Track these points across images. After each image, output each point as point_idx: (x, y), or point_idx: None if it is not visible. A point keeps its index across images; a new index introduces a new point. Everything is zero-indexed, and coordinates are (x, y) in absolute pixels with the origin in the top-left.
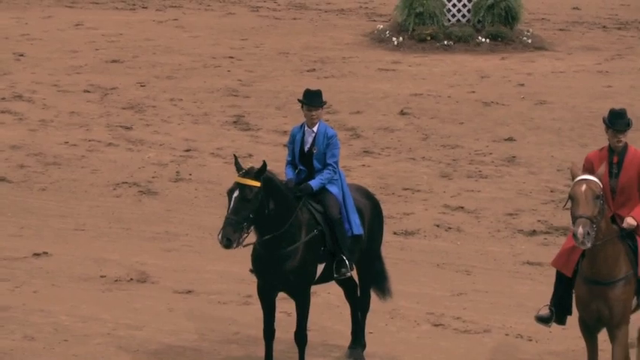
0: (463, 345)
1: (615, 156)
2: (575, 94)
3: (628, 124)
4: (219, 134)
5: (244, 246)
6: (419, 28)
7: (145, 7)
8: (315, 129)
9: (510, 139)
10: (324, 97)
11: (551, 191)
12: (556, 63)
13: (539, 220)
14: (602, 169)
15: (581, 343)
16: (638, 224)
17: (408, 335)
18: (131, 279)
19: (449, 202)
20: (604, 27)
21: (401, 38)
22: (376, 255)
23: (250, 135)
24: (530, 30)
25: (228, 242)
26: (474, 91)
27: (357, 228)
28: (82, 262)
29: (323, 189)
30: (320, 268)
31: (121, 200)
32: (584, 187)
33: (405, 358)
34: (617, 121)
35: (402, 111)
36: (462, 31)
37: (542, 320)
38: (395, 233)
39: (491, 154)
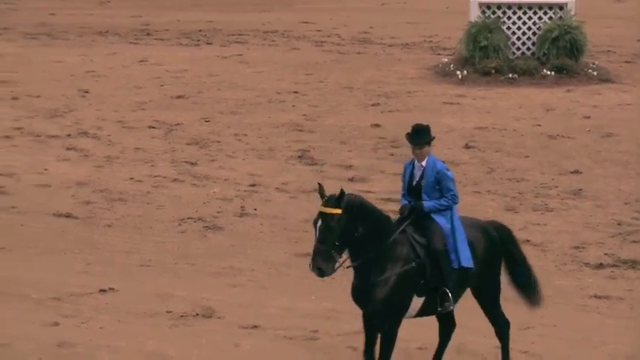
0: None
1: None
2: None
3: None
4: (284, 169)
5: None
6: (483, 62)
7: (210, 43)
8: (423, 163)
9: (576, 172)
10: (389, 131)
11: (619, 224)
12: (622, 95)
13: (606, 254)
14: None
15: None
16: None
17: None
18: (197, 314)
19: (515, 236)
20: None
21: (465, 72)
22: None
23: (315, 170)
24: (596, 62)
25: (320, 271)
26: (539, 124)
27: (467, 260)
28: (148, 298)
29: (429, 219)
30: (419, 302)
31: (185, 236)
32: None
33: None
34: None
35: (466, 145)
36: (527, 64)
37: None
38: None
39: (557, 187)
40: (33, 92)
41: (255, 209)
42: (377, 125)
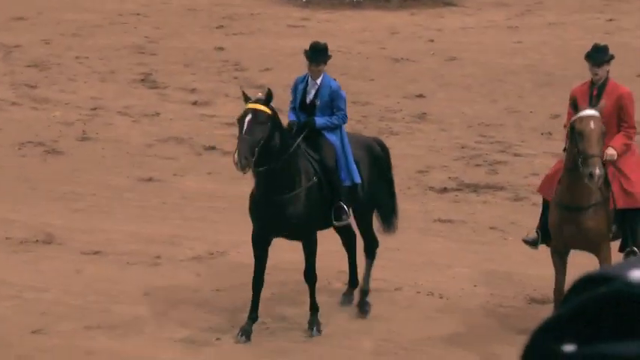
0: (375, 302)
1: (595, 89)
2: (485, 50)
3: (605, 59)
4: (127, 92)
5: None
6: None
7: None
8: (318, 81)
9: (421, 96)
10: (233, 54)
11: (462, 148)
12: (466, 19)
13: (449, 178)
14: (603, 103)
15: (493, 300)
16: (617, 155)
17: (319, 297)
18: (37, 240)
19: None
20: None
21: None
22: (386, 196)
23: (158, 93)
24: None
25: (245, 161)
26: (384, 48)
27: (356, 177)
28: None
29: (321, 136)
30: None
31: (25, 160)
32: (592, 124)
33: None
34: (595, 55)
35: None
36: None
37: (529, 243)
38: None
39: (401, 110)
40: None
41: (97, 133)
42: (221, 48)
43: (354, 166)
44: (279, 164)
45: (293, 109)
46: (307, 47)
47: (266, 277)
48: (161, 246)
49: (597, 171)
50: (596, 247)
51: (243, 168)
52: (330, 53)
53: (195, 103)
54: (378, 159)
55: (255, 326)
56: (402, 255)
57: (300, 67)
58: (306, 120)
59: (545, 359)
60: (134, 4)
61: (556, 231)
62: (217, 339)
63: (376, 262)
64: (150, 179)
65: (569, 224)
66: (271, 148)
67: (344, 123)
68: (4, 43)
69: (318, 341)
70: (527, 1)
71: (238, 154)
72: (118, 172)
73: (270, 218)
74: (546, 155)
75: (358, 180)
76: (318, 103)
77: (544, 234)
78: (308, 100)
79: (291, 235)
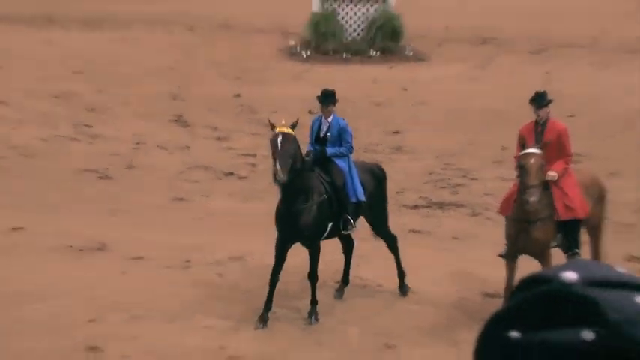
0: (361, 295)
1: (539, 127)
2: (448, 96)
3: (545, 102)
4: (163, 130)
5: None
6: (323, 45)
7: (103, 29)
8: (329, 120)
9: (397, 132)
10: (247, 100)
11: (430, 174)
12: (433, 71)
13: (420, 197)
14: (542, 143)
15: (456, 295)
16: (557, 177)
17: (318, 293)
18: (92, 248)
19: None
20: (469, 43)
21: (309, 52)
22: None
23: (188, 130)
24: (412, 44)
25: (285, 173)
26: (367, 94)
27: (361, 196)
28: (53, 235)
29: (332, 162)
30: (329, 226)
31: (83, 184)
32: (532, 160)
33: None
34: (537, 99)
35: (310, 110)
36: (358, 46)
37: (503, 256)
38: None
39: (382, 144)
40: None
41: (140, 162)
42: (238, 95)
43: (359, 187)
44: (298, 180)
45: (310, 143)
46: (318, 93)
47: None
48: (190, 252)
49: (532, 199)
50: (540, 253)
51: (283, 179)
52: (337, 97)
53: (217, 139)
54: (379, 180)
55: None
56: (383, 259)
57: (302, 109)
58: (320, 149)
59: (495, 343)
60: (168, 60)
61: (511, 240)
62: (235, 326)
63: (361, 264)
64: (181, 199)
65: (522, 234)
66: (294, 165)
67: (350, 153)
68: (66, 91)
69: (316, 328)
70: (481, 58)
71: (280, 166)
72: (155, 193)
73: (288, 226)
74: (497, 179)
75: (363, 198)
76: (329, 136)
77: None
78: (321, 135)
79: (302, 241)
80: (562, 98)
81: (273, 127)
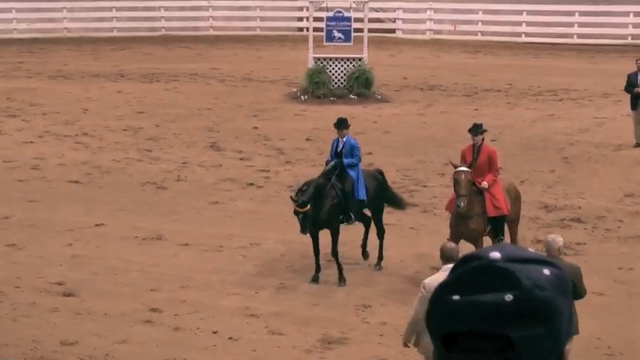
0: (346, 271)
1: (475, 149)
2: (405, 127)
3: (480, 131)
4: (202, 154)
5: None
6: (316, 91)
7: (158, 81)
8: (344, 140)
9: (370, 154)
10: (263, 131)
11: (393, 183)
12: (394, 109)
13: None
14: (473, 163)
15: (415, 269)
16: (488, 186)
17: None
18: (152, 237)
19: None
20: (421, 89)
21: (306, 96)
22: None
23: (220, 153)
24: (380, 90)
25: (306, 233)
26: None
27: (363, 196)
28: (125, 229)
29: (345, 172)
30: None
31: (145, 193)
32: (462, 175)
33: None
34: (475, 128)
35: (307, 138)
36: (341, 92)
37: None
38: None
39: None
40: (54, 110)
41: (186, 177)
42: (256, 127)
43: (363, 189)
44: (319, 189)
45: (330, 158)
46: (334, 121)
47: (302, 257)
48: (222, 240)
49: (462, 204)
50: (475, 239)
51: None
52: (349, 123)
53: (241, 159)
54: (379, 182)
55: (292, 281)
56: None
57: (302, 137)
58: (338, 161)
59: (442, 304)
60: (206, 104)
61: (453, 229)
62: (256, 292)
63: (348, 247)
64: (216, 202)
65: (461, 225)
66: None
67: (359, 162)
68: (133, 126)
69: (313, 293)
70: (428, 100)
71: (303, 230)
72: (198, 198)
73: (313, 219)
74: (441, 187)
75: (364, 198)
76: (344, 152)
77: None
78: (338, 150)
79: (325, 227)
80: (487, 128)
81: (294, 200)
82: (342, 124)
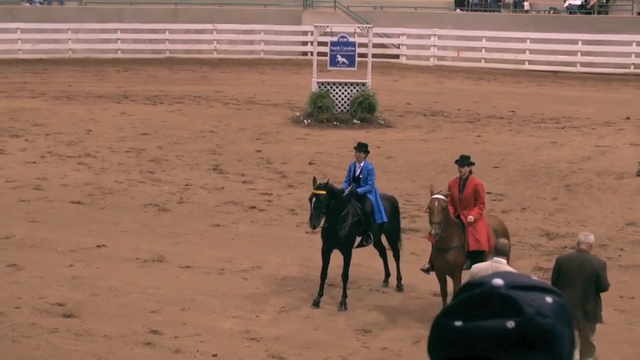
0: (355, 289)
1: (462, 180)
2: (408, 152)
3: (467, 162)
4: (205, 176)
5: (321, 227)
6: (319, 115)
7: (162, 103)
8: (361, 164)
9: None
10: (266, 154)
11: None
12: (397, 134)
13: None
14: (447, 192)
15: (412, 293)
16: (474, 219)
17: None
18: (153, 259)
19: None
20: (424, 114)
21: (309, 120)
22: (397, 233)
23: (223, 176)
24: (383, 115)
25: (314, 226)
26: (351, 151)
27: (384, 217)
28: (126, 250)
29: (364, 195)
30: (358, 239)
31: (147, 215)
32: (436, 203)
33: None
34: (461, 160)
35: (310, 162)
36: (344, 117)
37: (424, 271)
38: None
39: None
40: (58, 131)
41: (188, 199)
42: (259, 151)
43: (383, 212)
44: (341, 216)
45: (346, 181)
46: (355, 144)
47: (304, 281)
48: (224, 263)
49: (434, 232)
50: (452, 272)
51: (313, 229)
52: (368, 149)
53: (243, 182)
54: (394, 207)
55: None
56: (363, 267)
57: (304, 161)
58: (352, 190)
59: (444, 330)
60: (209, 126)
61: (434, 262)
62: (257, 316)
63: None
64: (218, 225)
65: (441, 258)
66: (333, 208)
67: (371, 187)
68: (135, 148)
69: (313, 317)
70: (432, 125)
71: (311, 223)
72: (199, 221)
73: (330, 238)
74: None
75: (385, 219)
76: (361, 176)
77: (433, 265)
78: (356, 175)
79: (340, 249)
80: (490, 155)
81: (314, 183)
82: (361, 148)
